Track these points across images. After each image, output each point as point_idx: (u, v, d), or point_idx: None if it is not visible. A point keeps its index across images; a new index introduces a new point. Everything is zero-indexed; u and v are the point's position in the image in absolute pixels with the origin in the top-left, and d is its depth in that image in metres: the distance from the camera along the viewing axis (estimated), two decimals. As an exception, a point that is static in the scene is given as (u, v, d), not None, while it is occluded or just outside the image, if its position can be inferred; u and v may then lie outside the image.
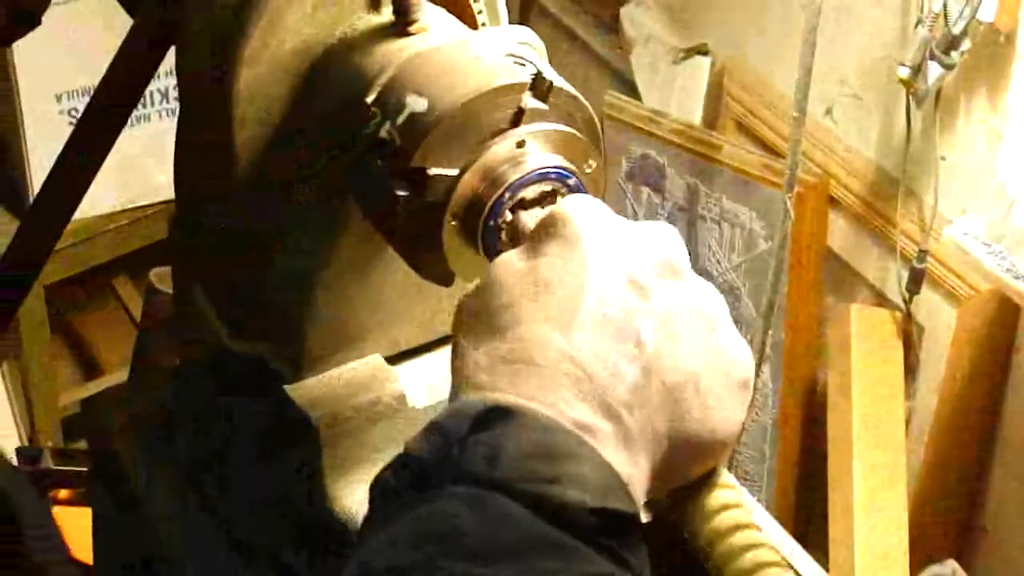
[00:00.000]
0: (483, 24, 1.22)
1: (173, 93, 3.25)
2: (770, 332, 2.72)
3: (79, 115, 3.21)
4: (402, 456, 0.85)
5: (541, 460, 0.80)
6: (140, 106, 3.31)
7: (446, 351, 1.28)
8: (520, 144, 0.98)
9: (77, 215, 3.17)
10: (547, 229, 0.90)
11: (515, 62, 1.03)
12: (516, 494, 0.79)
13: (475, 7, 1.22)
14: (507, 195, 0.97)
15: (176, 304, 1.31)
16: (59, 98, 3.22)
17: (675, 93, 3.26)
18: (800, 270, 2.78)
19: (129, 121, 3.28)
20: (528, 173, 0.97)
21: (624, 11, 3.44)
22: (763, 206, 2.91)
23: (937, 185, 2.44)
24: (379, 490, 0.85)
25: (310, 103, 1.10)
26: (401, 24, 1.09)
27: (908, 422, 2.60)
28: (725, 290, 3.04)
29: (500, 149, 0.98)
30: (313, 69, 1.10)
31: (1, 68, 3.10)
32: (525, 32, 1.18)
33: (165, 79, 3.09)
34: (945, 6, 2.26)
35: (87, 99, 3.20)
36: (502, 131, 0.99)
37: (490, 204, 0.98)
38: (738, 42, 3.11)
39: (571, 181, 0.99)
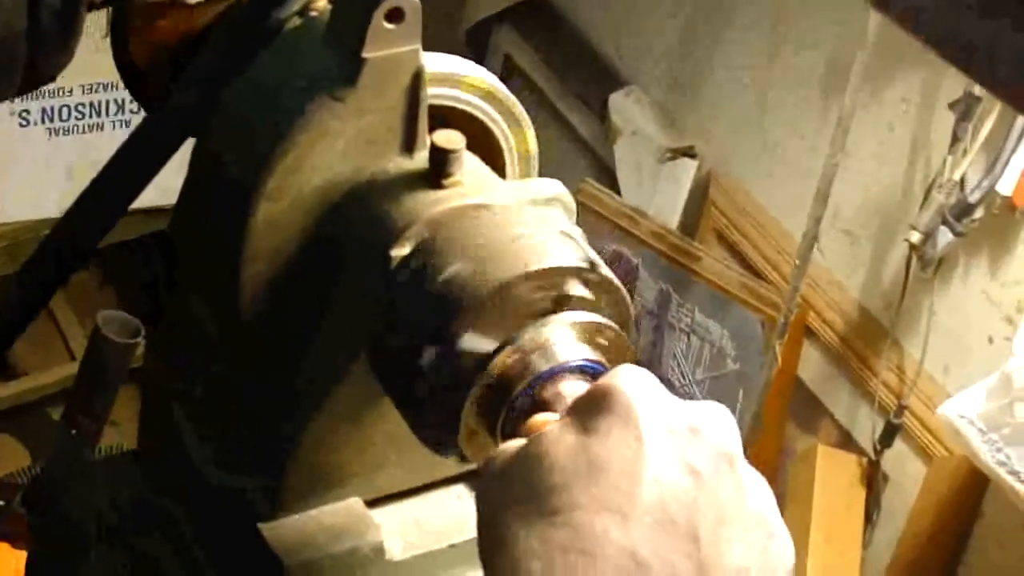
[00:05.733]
0: (513, 168, 1.21)
1: (130, 104, 3.23)
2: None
3: (28, 117, 3.26)
4: None
5: None
6: (95, 115, 3.30)
7: (427, 497, 1.27)
8: (556, 330, 0.96)
9: (18, 216, 3.12)
10: (598, 403, 0.87)
11: (560, 238, 1.00)
12: None
13: (506, 149, 1.20)
14: (536, 383, 0.95)
15: (144, 421, 1.28)
16: (11, 99, 3.18)
17: (656, 192, 3.25)
18: (768, 396, 2.76)
19: (85, 128, 3.28)
20: (561, 365, 0.95)
21: (613, 98, 3.42)
22: (736, 326, 2.89)
23: (926, 343, 2.44)
24: None
25: (329, 244, 1.07)
26: (435, 175, 1.06)
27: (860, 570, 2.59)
28: (685, 403, 3.02)
29: (536, 334, 0.96)
30: (336, 208, 1.07)
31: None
32: (556, 187, 1.16)
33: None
34: (964, 175, 2.27)
35: (39, 102, 3.25)
36: (540, 313, 0.96)
37: (517, 391, 0.95)
38: (728, 151, 3.10)
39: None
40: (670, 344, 3.06)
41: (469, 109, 1.16)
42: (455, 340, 0.96)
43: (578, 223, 3.06)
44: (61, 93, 3.26)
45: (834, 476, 2.62)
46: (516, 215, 1.04)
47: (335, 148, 1.05)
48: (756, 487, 0.87)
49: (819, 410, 2.84)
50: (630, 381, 0.87)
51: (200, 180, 1.14)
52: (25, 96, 3.21)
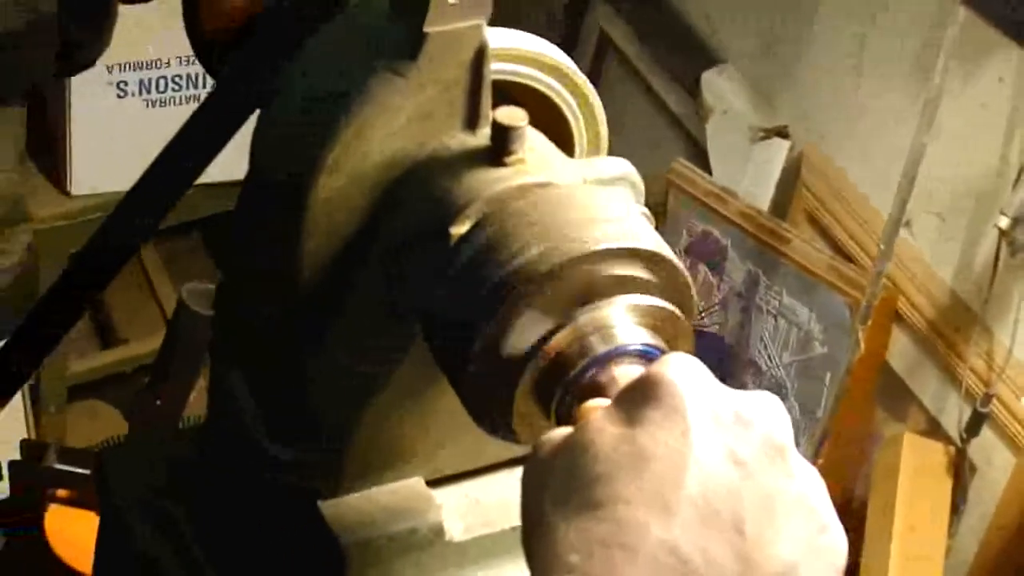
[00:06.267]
0: (581, 147, 1.19)
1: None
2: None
3: (126, 88, 3.30)
4: None
5: None
6: (191, 87, 3.34)
7: (489, 479, 1.26)
8: (616, 313, 0.94)
9: (116, 188, 3.15)
10: (646, 392, 0.86)
11: (624, 219, 0.99)
12: None
13: (574, 127, 1.19)
14: (593, 365, 0.93)
15: (210, 393, 1.27)
16: (109, 69, 3.24)
17: (748, 172, 3.21)
18: (854, 381, 2.73)
19: (182, 100, 3.30)
20: (618, 347, 0.93)
21: (706, 76, 3.39)
22: (824, 309, 2.86)
23: (1016, 330, 2.40)
24: None
25: (388, 220, 1.06)
26: (498, 152, 1.04)
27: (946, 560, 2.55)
28: (772, 387, 2.99)
29: (594, 316, 0.94)
30: (396, 183, 1.06)
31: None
32: (624, 166, 1.14)
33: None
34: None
35: (137, 74, 3.29)
36: (599, 295, 0.95)
37: (574, 373, 0.93)
38: (821, 131, 3.06)
39: None
40: (757, 326, 3.04)
41: (537, 86, 1.14)
42: (512, 319, 0.95)
43: (668, 202, 3.05)
44: (158, 65, 3.30)
45: (920, 464, 2.58)
46: (580, 194, 1.02)
47: (396, 123, 1.04)
48: (807, 479, 0.85)
49: (907, 396, 2.80)
50: (679, 370, 0.86)
51: (261, 153, 1.13)
52: (123, 67, 3.25)
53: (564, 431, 0.87)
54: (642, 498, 0.81)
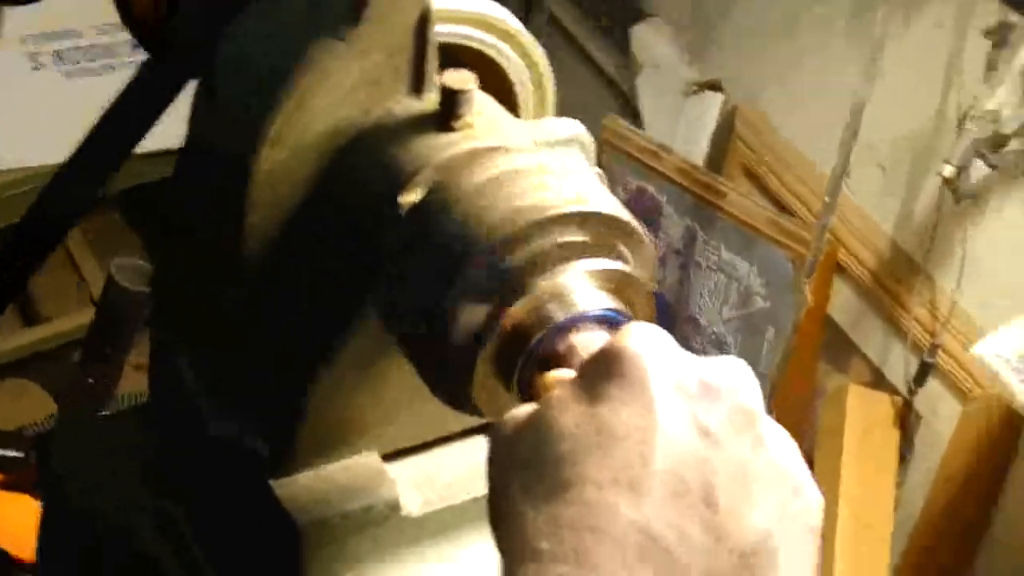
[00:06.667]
0: (528, 109, 1.17)
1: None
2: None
3: (40, 60, 3.25)
4: None
5: None
6: (109, 56, 3.29)
7: (446, 450, 1.24)
8: (574, 278, 0.92)
9: (35, 161, 3.11)
10: (607, 366, 0.83)
11: (579, 181, 0.97)
12: None
13: (520, 92, 1.17)
14: (553, 334, 0.91)
15: (152, 375, 1.25)
16: (23, 41, 3.21)
17: (681, 127, 3.20)
18: (800, 336, 2.73)
19: (100, 70, 3.26)
20: (578, 314, 0.91)
21: (635, 30, 3.37)
22: (764, 263, 2.86)
23: (961, 278, 2.40)
24: None
25: (334, 190, 1.04)
26: (446, 117, 1.02)
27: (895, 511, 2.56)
28: (713, 343, 2.99)
29: (552, 283, 0.92)
30: (341, 152, 1.04)
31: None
32: (574, 126, 1.13)
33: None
34: (999, 106, 2.22)
35: (51, 44, 3.24)
36: (557, 261, 0.93)
37: (533, 342, 0.92)
38: (755, 84, 3.05)
39: (623, 324, 0.93)
40: (697, 283, 3.03)
41: (483, 48, 1.12)
42: (467, 290, 0.93)
43: (601, 159, 3.04)
44: (73, 35, 3.25)
45: (866, 416, 2.59)
46: (532, 157, 1.00)
47: (339, 90, 1.02)
48: (778, 443, 0.84)
49: (851, 349, 2.80)
50: (640, 341, 0.84)
51: (201, 124, 1.11)
52: (37, 39, 3.20)
53: (527, 409, 0.85)
54: (610, 478, 0.80)
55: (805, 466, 0.85)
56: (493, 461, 0.86)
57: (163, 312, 1.24)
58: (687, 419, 0.82)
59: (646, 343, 0.84)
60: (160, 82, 1.15)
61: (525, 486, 0.82)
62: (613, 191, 3.05)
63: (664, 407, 0.81)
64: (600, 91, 3.55)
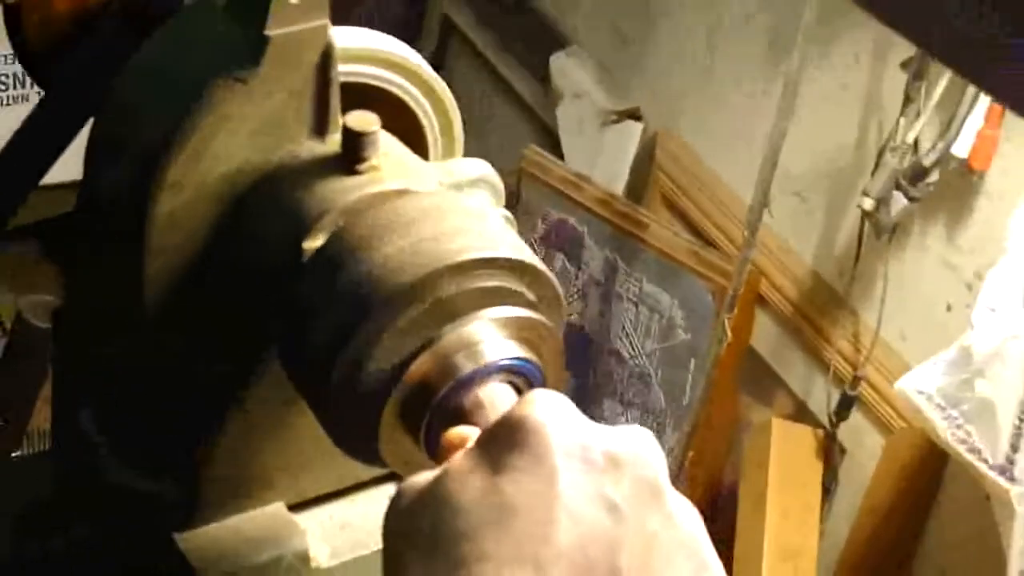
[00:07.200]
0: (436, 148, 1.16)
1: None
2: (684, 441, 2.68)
3: None
4: None
5: None
6: (19, 86, 3.26)
7: (356, 498, 1.22)
8: (482, 328, 0.91)
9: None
10: (510, 435, 0.81)
11: (486, 226, 0.95)
12: None
13: (428, 129, 1.15)
14: (460, 387, 0.90)
15: (54, 425, 1.22)
16: None
17: (601, 156, 3.20)
18: (720, 368, 2.72)
19: (10, 100, 3.23)
20: (484, 366, 0.90)
21: (554, 59, 3.36)
22: (685, 295, 2.85)
23: (882, 311, 2.41)
24: None
25: (236, 235, 1.02)
26: (350, 159, 1.00)
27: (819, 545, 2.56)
28: (636, 376, 2.99)
29: (459, 333, 0.90)
30: (244, 196, 1.02)
31: None
32: (482, 167, 1.11)
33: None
34: (917, 138, 2.23)
35: None
36: (464, 309, 0.91)
37: (440, 395, 0.90)
38: (674, 113, 3.05)
39: (535, 375, 0.92)
40: (619, 315, 3.02)
41: (386, 87, 1.11)
42: (372, 341, 0.91)
43: (521, 190, 2.99)
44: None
45: (790, 449, 2.58)
46: (439, 201, 0.99)
47: (240, 133, 1.00)
48: (685, 518, 0.82)
49: (774, 381, 2.80)
50: (543, 409, 0.81)
51: (98, 169, 1.08)
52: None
53: (424, 478, 0.82)
54: (510, 555, 0.77)
55: (710, 543, 0.83)
56: (389, 531, 0.83)
57: (64, 369, 1.21)
58: (591, 492, 0.79)
59: (549, 412, 0.81)
60: (53, 125, 1.13)
61: (420, 559, 0.79)
62: (533, 223, 3.02)
63: (567, 480, 0.79)
64: (520, 122, 3.55)
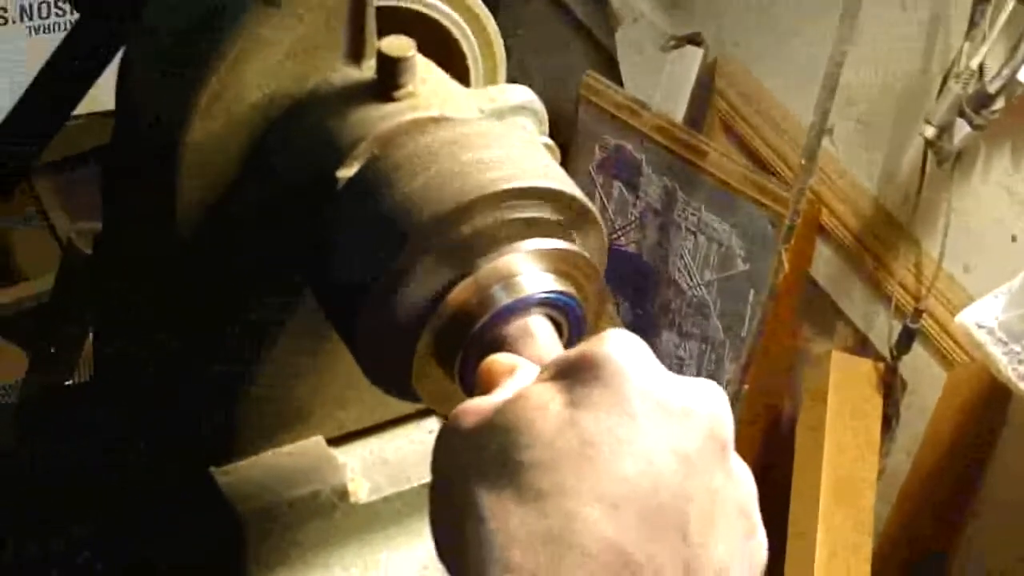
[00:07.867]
0: (477, 74, 1.14)
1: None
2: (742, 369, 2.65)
3: (6, 16, 3.24)
4: None
5: None
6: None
7: (394, 434, 1.21)
8: (520, 260, 0.89)
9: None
10: (589, 371, 0.79)
11: (526, 155, 0.93)
12: None
13: (469, 54, 1.13)
14: (498, 318, 0.88)
15: (95, 349, 1.22)
16: None
17: (661, 82, 3.16)
18: (779, 299, 2.69)
19: (67, 25, 3.25)
20: (523, 297, 0.88)
21: (614, -21, 3.33)
22: (744, 224, 2.82)
23: (945, 241, 2.36)
24: None
25: (270, 163, 1.00)
26: (386, 86, 0.98)
27: (878, 479, 2.54)
28: (694, 306, 2.96)
29: (497, 264, 0.88)
30: (276, 123, 1.00)
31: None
32: (524, 94, 1.09)
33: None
34: (982, 63, 2.18)
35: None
36: (503, 240, 0.89)
37: (476, 327, 0.88)
38: (735, 38, 3.01)
39: (573, 310, 0.90)
40: (676, 244, 2.99)
41: (426, 11, 1.09)
42: (407, 270, 0.89)
43: (579, 117, 2.94)
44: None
45: (850, 383, 2.55)
46: (477, 128, 0.97)
47: (272, 59, 0.98)
48: (743, 481, 0.82)
49: (834, 312, 2.77)
50: (623, 350, 0.80)
51: (129, 96, 1.07)
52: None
53: (490, 402, 0.81)
54: (589, 491, 0.76)
55: (758, 508, 0.83)
56: (445, 454, 0.81)
57: (105, 284, 1.21)
58: (666, 441, 0.78)
59: (631, 354, 0.80)
60: (92, 42, 1.11)
61: (491, 487, 0.77)
62: (591, 149, 2.98)
63: (646, 425, 0.78)
64: (578, 46, 3.50)
